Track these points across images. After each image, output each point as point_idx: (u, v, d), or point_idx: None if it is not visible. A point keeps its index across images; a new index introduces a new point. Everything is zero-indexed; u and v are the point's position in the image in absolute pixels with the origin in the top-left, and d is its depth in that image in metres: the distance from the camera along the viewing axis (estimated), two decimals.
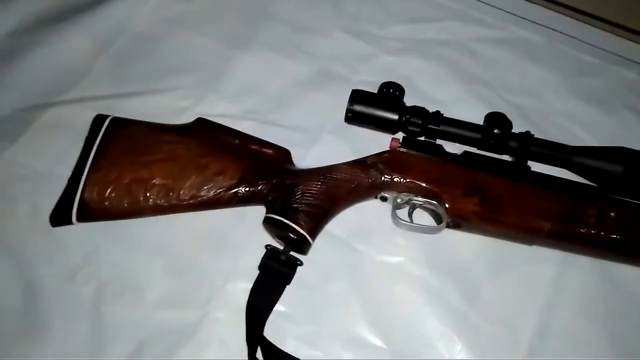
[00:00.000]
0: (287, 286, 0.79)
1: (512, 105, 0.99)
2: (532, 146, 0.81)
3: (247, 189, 0.80)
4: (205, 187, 0.79)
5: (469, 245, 0.84)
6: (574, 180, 0.82)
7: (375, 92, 0.86)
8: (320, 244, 0.81)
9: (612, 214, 0.77)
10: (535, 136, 0.82)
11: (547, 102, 1.00)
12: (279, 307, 0.78)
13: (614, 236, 0.76)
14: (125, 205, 0.79)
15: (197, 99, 0.96)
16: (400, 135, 0.84)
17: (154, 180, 0.79)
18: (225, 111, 0.95)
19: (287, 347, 0.76)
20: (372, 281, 0.83)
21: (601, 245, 0.77)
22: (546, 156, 0.82)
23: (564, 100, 1.00)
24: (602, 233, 0.76)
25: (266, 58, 1.02)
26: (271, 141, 0.86)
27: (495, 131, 0.81)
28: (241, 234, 0.84)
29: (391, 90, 0.86)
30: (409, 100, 0.85)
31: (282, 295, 0.78)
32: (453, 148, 0.84)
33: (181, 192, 0.79)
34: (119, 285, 0.80)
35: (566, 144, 0.82)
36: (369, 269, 0.83)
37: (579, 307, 0.81)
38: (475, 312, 0.81)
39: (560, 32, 1.07)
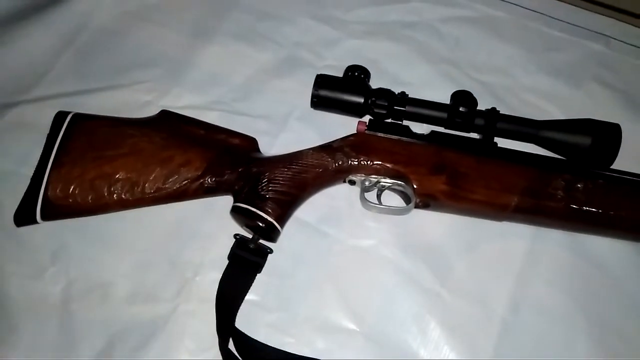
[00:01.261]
0: (258, 275, 0.79)
1: (480, 83, 0.98)
2: (498, 122, 0.81)
3: (213, 179, 0.79)
4: (170, 180, 0.78)
5: (439, 225, 0.84)
6: (542, 154, 0.82)
7: (341, 76, 0.85)
8: (290, 231, 0.81)
9: (579, 186, 0.77)
10: (501, 112, 0.81)
11: (515, 79, 0.99)
12: (250, 296, 0.78)
13: (583, 208, 0.76)
14: (90, 201, 0.78)
15: (162, 92, 0.95)
16: (367, 119, 0.84)
17: (118, 175, 0.78)
18: (190, 103, 0.94)
19: (260, 336, 0.75)
20: (343, 265, 0.82)
21: (570, 217, 0.77)
22: (513, 132, 0.81)
23: (531, 76, 1.00)
24: (571, 205, 0.76)
25: (231, 48, 1.01)
26: (237, 130, 0.85)
27: (461, 109, 0.80)
28: (210, 225, 0.84)
29: (356, 74, 0.85)
30: (376, 83, 0.85)
31: (253, 284, 0.78)
32: (421, 129, 0.84)
33: (146, 185, 0.78)
34: (88, 282, 0.80)
35: (533, 118, 0.82)
36: (340, 253, 0.83)
37: (552, 280, 0.82)
38: (448, 290, 0.81)
39: (526, 8, 1.06)
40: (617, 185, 0.78)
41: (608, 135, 0.79)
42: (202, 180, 0.79)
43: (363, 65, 0.86)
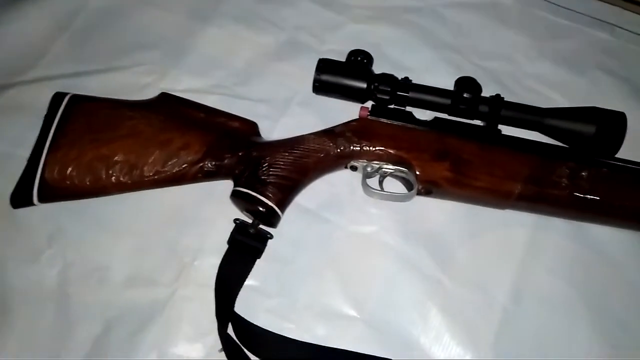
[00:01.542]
0: (258, 260, 0.78)
1: (483, 69, 0.97)
2: (502, 109, 0.80)
3: (212, 162, 0.78)
4: (169, 163, 0.77)
5: (441, 212, 0.84)
6: (546, 142, 0.81)
7: (343, 60, 0.84)
8: (291, 217, 0.81)
9: (583, 174, 0.76)
10: (505, 99, 0.80)
11: (519, 66, 0.98)
12: (250, 281, 0.77)
13: (586, 196, 0.76)
14: (88, 183, 0.76)
15: (161, 75, 0.94)
16: (370, 104, 0.83)
17: (116, 157, 0.77)
18: (190, 86, 0.93)
19: (259, 321, 0.75)
20: (344, 252, 0.82)
21: (574, 205, 0.77)
22: (517, 119, 0.80)
23: (535, 63, 0.99)
24: (574, 193, 0.76)
25: (231, 30, 0.99)
26: (238, 114, 0.84)
27: (465, 95, 0.79)
28: (210, 210, 0.83)
29: (359, 58, 0.84)
30: (378, 68, 0.83)
31: (253, 270, 0.77)
32: (424, 115, 0.83)
33: (144, 168, 0.77)
34: (85, 266, 0.79)
35: (538, 106, 0.81)
36: (341, 239, 0.82)
37: (554, 269, 0.81)
38: (449, 278, 0.80)
39: None
40: (621, 174, 0.77)
41: (613, 124, 0.78)
42: (201, 164, 0.78)
43: (365, 49, 0.84)
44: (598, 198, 0.76)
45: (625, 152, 0.78)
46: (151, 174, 0.77)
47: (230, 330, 0.73)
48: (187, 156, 0.78)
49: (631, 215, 0.77)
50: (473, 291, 0.79)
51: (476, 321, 0.78)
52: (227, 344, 0.72)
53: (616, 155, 0.79)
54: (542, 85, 0.96)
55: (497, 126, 0.81)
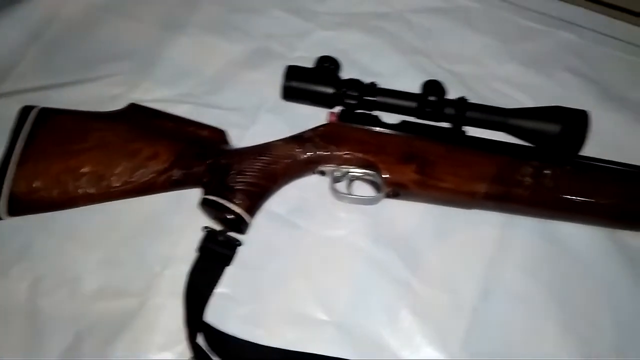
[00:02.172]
0: (229, 267, 0.78)
1: (452, 73, 0.98)
2: (467, 111, 0.80)
3: (181, 171, 0.78)
4: (137, 173, 0.78)
5: (410, 214, 0.84)
6: (512, 142, 0.82)
7: (312, 67, 0.85)
8: (261, 223, 0.81)
9: (547, 172, 0.77)
10: (472, 102, 0.81)
11: (487, 68, 0.99)
12: (221, 289, 0.77)
13: (551, 194, 0.76)
14: (56, 196, 0.76)
15: (131, 86, 0.94)
16: (338, 109, 0.83)
17: (84, 169, 0.77)
18: (160, 96, 0.93)
19: (230, 328, 0.75)
20: (314, 256, 0.82)
21: (539, 203, 0.77)
22: (482, 120, 0.81)
23: (503, 66, 1.00)
24: (539, 192, 0.76)
25: (202, 40, 1.00)
26: (207, 123, 0.84)
27: (430, 98, 0.80)
28: (180, 219, 0.83)
29: (327, 64, 0.84)
30: (348, 74, 0.84)
31: (224, 277, 0.77)
32: (393, 119, 0.83)
33: (112, 179, 0.77)
34: (55, 278, 0.79)
35: (502, 107, 0.81)
36: (312, 244, 0.83)
37: (522, 267, 0.82)
38: (419, 279, 0.80)
39: None
40: (585, 171, 0.78)
41: (576, 122, 0.79)
42: (169, 173, 0.78)
43: (334, 56, 0.85)
44: (563, 195, 0.76)
45: (592, 150, 0.79)
46: (119, 185, 0.77)
47: (202, 339, 0.73)
48: (155, 166, 0.78)
49: (597, 212, 0.77)
50: (442, 291, 0.80)
51: (446, 321, 0.78)
52: (197, 353, 0.72)
53: (581, 153, 0.79)
54: (509, 87, 0.97)
55: (462, 128, 0.82)
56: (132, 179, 0.77)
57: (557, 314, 0.79)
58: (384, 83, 0.83)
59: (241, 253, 0.79)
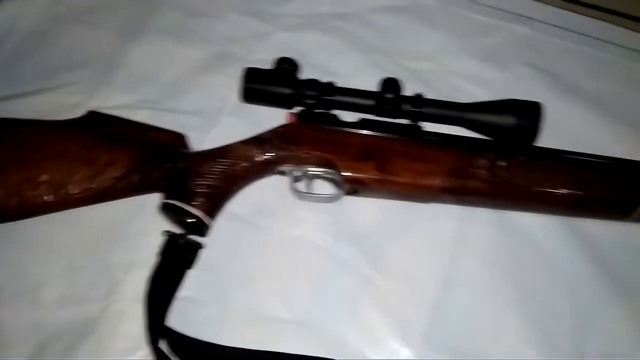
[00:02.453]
0: (191, 270, 0.78)
1: (409, 70, 0.99)
2: (423, 107, 0.81)
3: (139, 176, 0.78)
4: (96, 179, 0.77)
5: (370, 210, 0.85)
6: (469, 136, 0.83)
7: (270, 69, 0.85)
8: (223, 225, 0.81)
9: (501, 164, 0.78)
10: (429, 97, 0.82)
11: (443, 64, 1.01)
12: (183, 292, 0.77)
13: (506, 185, 0.78)
14: (15, 205, 0.76)
15: (90, 93, 0.94)
16: (298, 110, 0.84)
17: (42, 178, 0.77)
18: (119, 102, 0.93)
19: (193, 331, 0.75)
20: (276, 256, 0.82)
21: (495, 194, 0.79)
22: (439, 116, 0.82)
23: (459, 61, 1.01)
24: (493, 182, 0.78)
25: (160, 46, 1.00)
26: (167, 128, 0.84)
27: (387, 96, 0.81)
28: (141, 224, 0.83)
29: (285, 66, 0.85)
30: (307, 75, 0.85)
31: (186, 280, 0.77)
32: (354, 118, 0.84)
33: (71, 186, 0.77)
34: (16, 288, 0.78)
35: (458, 102, 0.83)
36: (273, 244, 0.83)
37: (481, 258, 0.83)
38: (380, 274, 0.81)
39: None
40: (539, 162, 0.79)
41: (529, 114, 0.80)
42: (128, 179, 0.78)
43: (293, 57, 0.85)
44: (517, 185, 0.78)
45: (548, 140, 0.80)
46: (78, 192, 0.77)
47: (164, 343, 0.73)
48: (113, 172, 0.78)
49: (551, 200, 0.79)
50: (404, 285, 0.81)
51: (407, 314, 0.79)
52: (159, 357, 0.72)
53: (537, 144, 0.81)
54: (466, 82, 0.99)
55: (420, 124, 0.83)
56: (91, 186, 0.77)
57: (517, 303, 0.80)
58: (343, 82, 0.84)
59: (203, 255, 0.79)
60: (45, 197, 0.76)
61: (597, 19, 1.05)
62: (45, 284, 0.79)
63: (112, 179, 0.78)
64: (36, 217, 0.78)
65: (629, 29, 1.04)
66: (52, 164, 0.78)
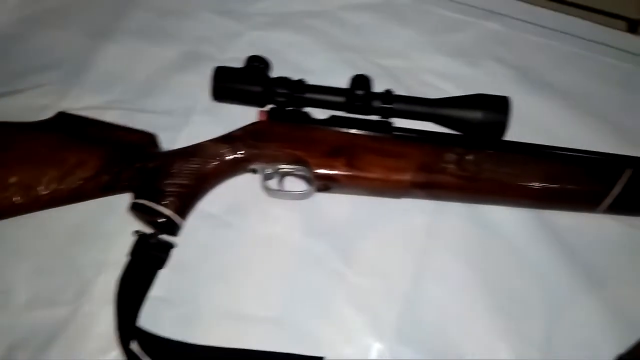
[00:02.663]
0: (164, 270, 0.78)
1: (381, 67, 1.00)
2: (394, 103, 0.82)
3: (109, 177, 0.78)
4: (65, 180, 0.77)
5: (342, 206, 0.85)
6: (438, 131, 0.83)
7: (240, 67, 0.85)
8: (196, 224, 0.82)
9: (469, 158, 0.79)
10: (399, 94, 0.83)
11: (415, 61, 1.01)
12: (155, 292, 0.76)
13: (474, 178, 0.78)
14: None
15: (61, 95, 0.94)
16: (269, 108, 0.84)
17: (11, 180, 0.76)
18: (90, 103, 0.93)
19: (166, 331, 0.74)
20: (249, 254, 0.82)
21: (464, 188, 0.79)
22: (409, 112, 0.83)
23: (430, 58, 1.02)
24: (462, 176, 0.78)
25: (132, 46, 1.00)
26: (138, 128, 0.84)
27: (358, 92, 0.82)
28: (112, 224, 0.83)
29: (255, 64, 0.85)
30: (280, 73, 0.84)
31: (158, 280, 0.77)
32: (326, 115, 0.84)
33: (40, 188, 0.76)
34: None
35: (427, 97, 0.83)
36: (246, 242, 0.83)
37: (453, 252, 0.83)
38: (352, 270, 0.81)
39: None
40: (507, 155, 0.80)
41: (497, 108, 0.81)
42: (98, 179, 0.78)
43: (266, 56, 0.86)
44: (486, 179, 0.78)
45: (519, 134, 0.82)
46: (48, 193, 0.76)
47: (136, 344, 0.73)
48: (82, 172, 0.78)
49: (520, 193, 0.80)
50: (376, 280, 0.81)
51: (380, 309, 0.79)
52: (130, 358, 0.71)
53: (509, 138, 0.82)
54: (437, 79, 0.99)
55: (390, 120, 0.84)
56: (61, 187, 0.77)
57: (488, 295, 0.80)
58: (315, 80, 0.84)
59: (176, 255, 0.79)
60: (14, 199, 0.76)
61: (566, 13, 1.06)
62: (14, 287, 0.78)
63: (81, 180, 0.77)
64: (5, 219, 0.77)
65: (596, 22, 1.06)
66: (21, 165, 0.77)
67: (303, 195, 0.83)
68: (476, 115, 0.81)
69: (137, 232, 0.78)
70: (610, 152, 0.83)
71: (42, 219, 0.80)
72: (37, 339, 0.75)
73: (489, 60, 1.02)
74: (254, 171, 0.83)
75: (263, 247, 0.83)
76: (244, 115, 0.85)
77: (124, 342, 0.72)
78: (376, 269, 0.82)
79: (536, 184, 0.79)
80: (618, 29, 1.09)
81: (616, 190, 0.79)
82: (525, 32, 1.05)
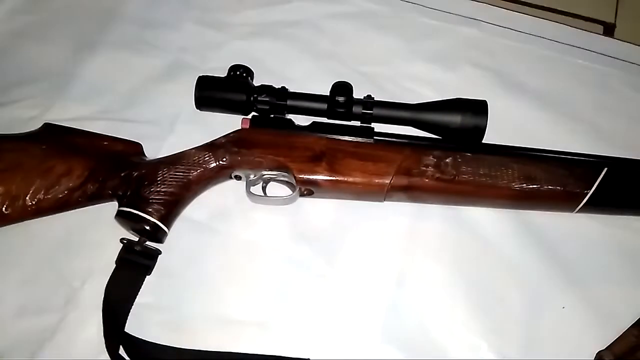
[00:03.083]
0: (150, 277, 0.79)
1: (362, 74, 1.02)
2: (374, 108, 0.84)
3: (95, 186, 0.80)
4: (51, 190, 0.78)
5: (325, 211, 0.87)
6: (418, 135, 0.85)
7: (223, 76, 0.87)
8: (181, 231, 0.83)
9: (447, 161, 0.81)
10: (377, 99, 0.85)
11: (395, 68, 1.03)
12: (142, 298, 0.78)
13: (452, 180, 0.80)
14: None
15: (46, 107, 0.95)
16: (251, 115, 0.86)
17: None
18: (76, 115, 0.94)
19: (152, 336, 0.76)
20: (234, 260, 0.84)
21: (443, 191, 0.81)
22: (389, 117, 0.85)
23: (409, 64, 1.04)
24: (441, 179, 0.80)
25: (116, 58, 1.02)
26: (123, 137, 0.86)
27: (339, 99, 0.83)
28: (98, 233, 0.84)
29: (238, 73, 0.87)
30: (262, 81, 0.86)
31: (145, 286, 0.79)
32: (308, 122, 0.86)
33: (27, 198, 0.78)
34: None
35: (407, 102, 0.85)
36: (231, 248, 0.85)
37: (434, 253, 0.85)
38: (336, 273, 0.83)
39: (404, 0, 1.11)
40: (485, 157, 0.82)
41: (475, 112, 0.83)
42: (84, 188, 0.79)
43: (248, 64, 0.88)
44: (464, 181, 0.80)
45: (496, 137, 0.84)
46: (34, 203, 0.78)
47: (124, 350, 0.74)
48: (68, 182, 0.79)
49: (498, 195, 0.82)
50: (359, 283, 0.83)
51: (364, 311, 0.81)
52: None
53: (487, 141, 0.84)
54: (417, 84, 1.02)
55: (370, 124, 0.85)
56: (47, 197, 0.78)
57: (468, 295, 0.82)
58: (297, 88, 0.86)
59: (162, 261, 0.80)
60: (1, 210, 0.77)
61: (541, 18, 1.09)
62: (2, 295, 0.79)
63: (67, 189, 0.79)
64: None
65: (572, 26, 1.09)
66: (8, 176, 0.78)
67: (287, 201, 0.84)
68: (455, 119, 0.83)
69: (123, 239, 0.79)
70: (587, 152, 0.86)
71: (29, 229, 0.81)
72: (25, 347, 0.76)
73: (466, 65, 1.04)
74: (238, 178, 0.84)
75: (248, 252, 0.84)
76: (227, 123, 0.86)
77: (112, 348, 0.73)
78: (359, 272, 0.83)
79: (514, 185, 0.81)
80: (594, 33, 1.11)
81: (593, 189, 0.81)
82: (502, 37, 1.08)
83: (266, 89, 0.85)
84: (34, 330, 0.77)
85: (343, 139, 0.83)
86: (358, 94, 0.85)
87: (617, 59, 1.07)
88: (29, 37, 1.03)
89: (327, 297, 0.82)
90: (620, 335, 0.79)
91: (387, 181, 0.80)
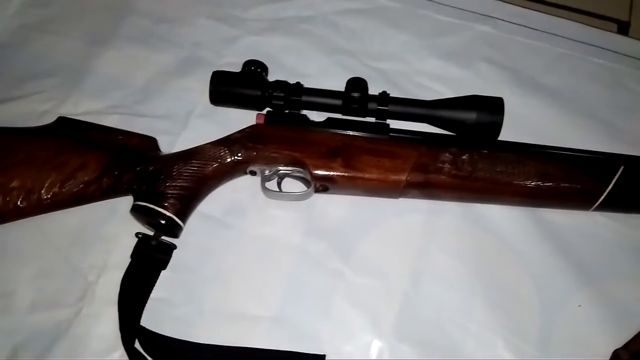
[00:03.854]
0: (164, 271, 0.79)
1: (376, 70, 1.01)
2: (389, 105, 0.84)
3: (110, 180, 0.80)
4: (67, 184, 0.78)
5: (340, 207, 0.87)
6: (433, 132, 0.85)
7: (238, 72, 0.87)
8: (196, 226, 0.83)
9: (464, 157, 0.81)
10: (392, 95, 0.85)
11: (409, 64, 1.03)
12: (157, 293, 0.78)
13: (469, 177, 0.80)
14: None
15: (60, 101, 0.95)
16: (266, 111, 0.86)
17: (12, 184, 0.77)
18: (89, 109, 0.94)
19: (167, 331, 0.76)
20: (249, 255, 0.84)
21: (459, 187, 0.81)
22: (404, 113, 0.85)
23: (423, 60, 1.03)
24: (457, 176, 0.80)
25: (130, 52, 1.01)
26: (137, 132, 0.85)
27: (354, 95, 0.83)
28: (113, 227, 0.84)
29: (253, 68, 0.87)
30: (276, 77, 0.87)
31: (160, 281, 0.79)
32: (323, 118, 0.86)
33: (42, 192, 0.77)
34: None
35: (422, 99, 0.85)
36: (245, 243, 0.85)
37: (449, 250, 0.85)
38: (351, 269, 0.83)
39: None
40: (502, 154, 0.82)
41: (491, 109, 0.83)
42: (99, 182, 0.79)
43: (262, 60, 0.88)
44: (480, 178, 0.80)
45: (511, 135, 0.84)
46: (49, 197, 0.78)
47: (139, 344, 0.74)
48: (84, 176, 0.79)
49: (514, 192, 0.81)
50: (374, 279, 0.82)
51: (379, 307, 0.80)
52: (134, 357, 0.73)
53: (502, 139, 0.83)
54: (431, 81, 1.01)
55: (386, 121, 0.85)
56: (63, 190, 0.78)
57: (484, 293, 0.82)
58: (311, 83, 0.86)
59: (177, 256, 0.80)
60: (16, 203, 0.77)
61: (556, 16, 1.08)
62: (17, 290, 0.79)
63: (83, 183, 0.79)
64: (7, 223, 0.78)
65: (587, 24, 1.08)
66: (23, 170, 0.78)
67: (301, 197, 0.84)
68: (471, 116, 0.83)
69: (138, 234, 0.79)
70: (602, 150, 0.85)
71: (43, 223, 0.81)
72: (40, 341, 0.76)
73: (481, 62, 1.03)
74: (253, 173, 0.84)
75: (262, 247, 0.84)
76: (242, 118, 0.86)
77: (128, 342, 0.73)
78: (374, 268, 0.83)
79: (530, 183, 0.81)
80: (609, 31, 1.11)
81: (610, 188, 0.81)
82: (517, 35, 1.07)
83: (281, 85, 0.85)
84: (49, 324, 0.77)
85: (359, 135, 0.83)
86: (372, 90, 0.84)
87: (632, 57, 1.06)
88: (42, 30, 1.03)
89: (342, 293, 0.81)
90: (637, 334, 0.79)
91: (404, 178, 0.80)
